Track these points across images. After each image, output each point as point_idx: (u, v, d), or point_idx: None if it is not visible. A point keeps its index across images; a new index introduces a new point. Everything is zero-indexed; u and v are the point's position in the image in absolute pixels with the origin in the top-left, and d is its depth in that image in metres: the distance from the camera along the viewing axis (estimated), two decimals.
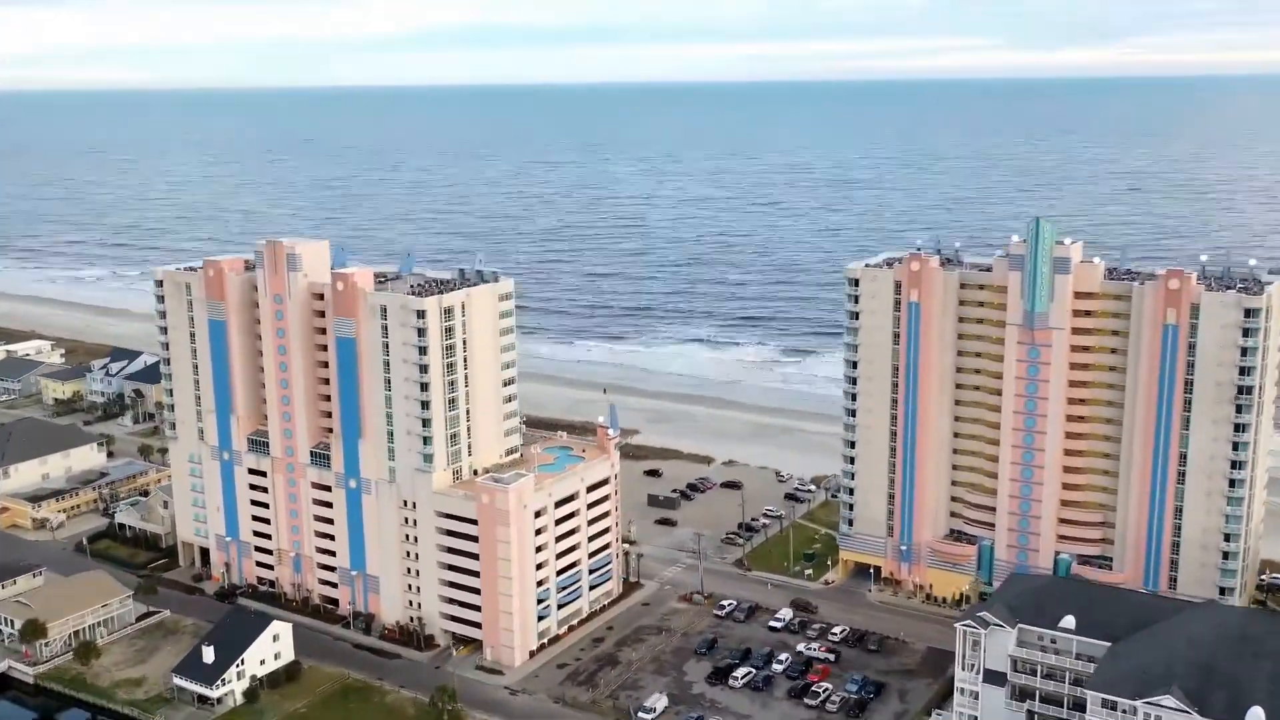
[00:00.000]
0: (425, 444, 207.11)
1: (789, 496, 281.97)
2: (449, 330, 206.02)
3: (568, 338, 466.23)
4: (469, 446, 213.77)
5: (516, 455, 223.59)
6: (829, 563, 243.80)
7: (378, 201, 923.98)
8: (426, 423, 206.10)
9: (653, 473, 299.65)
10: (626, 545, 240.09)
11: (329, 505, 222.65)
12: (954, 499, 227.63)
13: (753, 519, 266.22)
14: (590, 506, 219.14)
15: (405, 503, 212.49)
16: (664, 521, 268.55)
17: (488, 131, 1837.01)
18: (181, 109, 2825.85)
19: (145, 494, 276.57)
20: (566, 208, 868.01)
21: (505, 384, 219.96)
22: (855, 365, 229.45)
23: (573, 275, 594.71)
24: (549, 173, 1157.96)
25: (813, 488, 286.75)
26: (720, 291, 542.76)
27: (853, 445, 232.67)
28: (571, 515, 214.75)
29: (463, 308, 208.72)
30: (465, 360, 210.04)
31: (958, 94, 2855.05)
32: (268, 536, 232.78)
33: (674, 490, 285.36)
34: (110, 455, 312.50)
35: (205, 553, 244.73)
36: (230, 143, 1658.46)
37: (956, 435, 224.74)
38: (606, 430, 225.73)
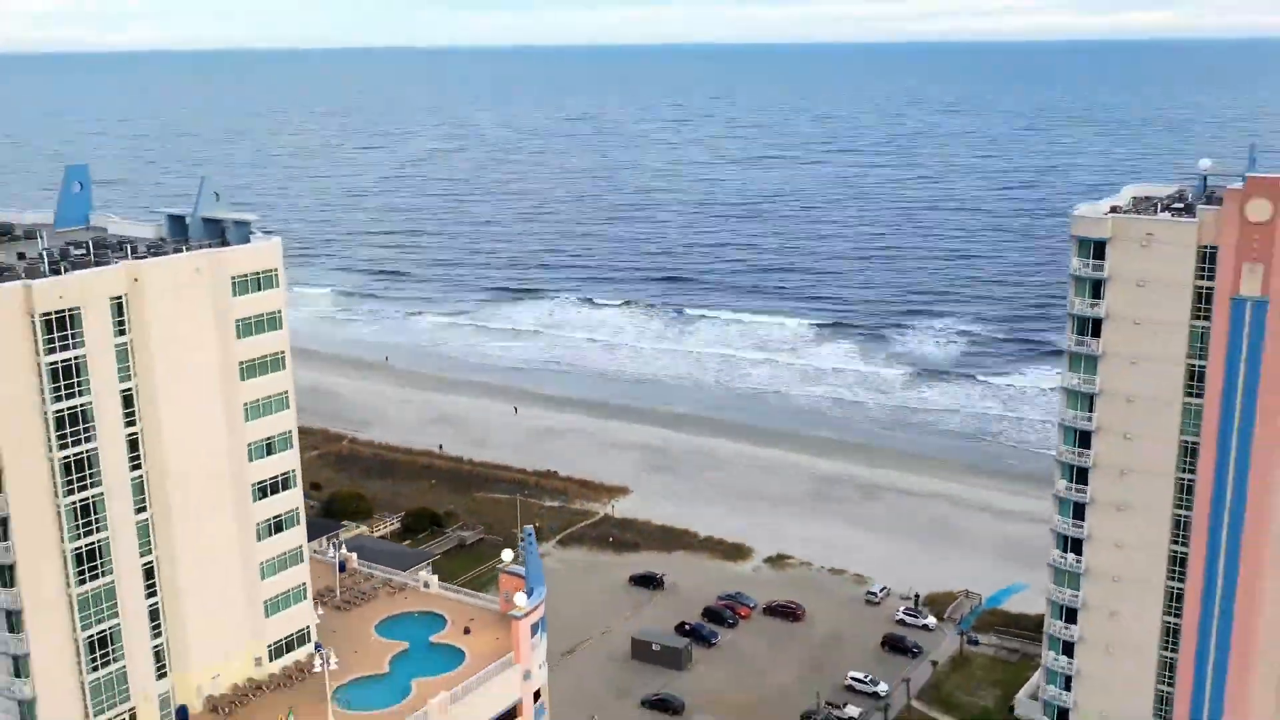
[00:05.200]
0: (16, 670, 79.56)
1: (891, 643, 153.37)
2: (67, 372, 77.77)
3: (534, 324, 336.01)
4: (156, 656, 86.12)
5: (305, 653, 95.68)
6: None
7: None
8: (13, 617, 78.53)
9: (646, 581, 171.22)
10: None
11: None
12: None
13: (829, 704, 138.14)
14: None
15: None
16: (659, 706, 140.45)
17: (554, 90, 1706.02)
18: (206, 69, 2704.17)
19: None
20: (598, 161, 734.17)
21: (266, 490, 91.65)
22: (1084, 439, 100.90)
23: (563, 244, 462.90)
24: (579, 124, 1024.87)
25: (930, 621, 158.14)
26: (770, 266, 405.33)
27: (1070, 615, 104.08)
28: None
29: (119, 310, 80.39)
30: (135, 442, 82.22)
31: (1039, 56, 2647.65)
32: None
33: (681, 625, 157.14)
34: None
35: None
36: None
37: None
38: (515, 587, 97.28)
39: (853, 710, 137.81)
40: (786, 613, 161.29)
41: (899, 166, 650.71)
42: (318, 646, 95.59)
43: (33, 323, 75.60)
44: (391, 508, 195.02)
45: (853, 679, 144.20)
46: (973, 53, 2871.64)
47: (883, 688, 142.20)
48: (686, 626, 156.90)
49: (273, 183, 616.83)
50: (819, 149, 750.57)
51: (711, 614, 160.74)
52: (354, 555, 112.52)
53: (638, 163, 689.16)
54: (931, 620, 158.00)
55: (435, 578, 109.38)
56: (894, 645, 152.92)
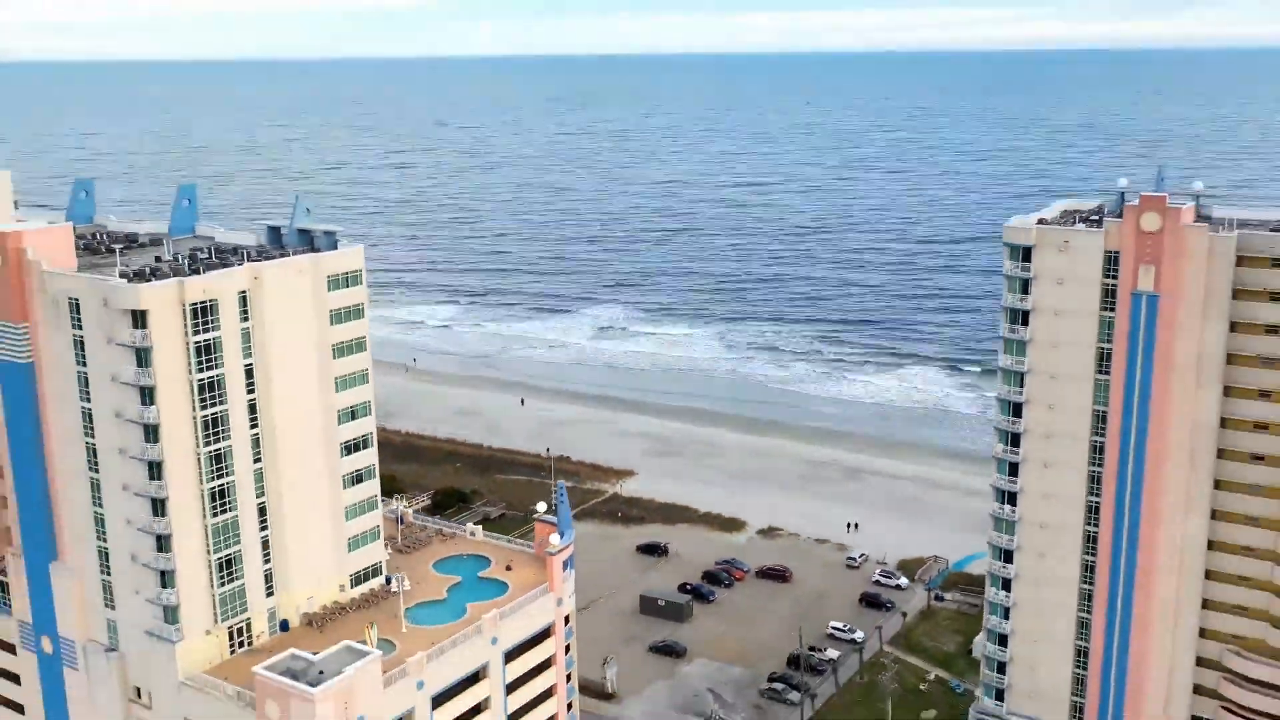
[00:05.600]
0: (163, 582, 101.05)
1: (867, 600, 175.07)
2: (208, 349, 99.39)
3: (543, 326, 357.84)
4: (266, 578, 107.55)
5: (377, 583, 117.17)
6: None
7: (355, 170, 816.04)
8: (163, 541, 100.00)
9: (651, 549, 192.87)
10: None
11: (15, 679, 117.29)
12: (1207, 663, 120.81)
13: (812, 648, 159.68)
14: (514, 688, 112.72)
15: (138, 692, 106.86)
16: (665, 650, 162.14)
17: (499, 100, 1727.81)
18: (211, 79, 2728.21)
19: None
20: (577, 177, 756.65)
21: (350, 448, 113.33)
22: (1016, 409, 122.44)
23: (568, 249, 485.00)
24: (563, 138, 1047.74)
25: (903, 581, 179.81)
26: (765, 272, 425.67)
27: (1008, 557, 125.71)
28: (475, 712, 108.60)
29: (243, 301, 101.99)
30: (253, 406, 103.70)
31: (1029, 64, 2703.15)
32: None
33: (683, 586, 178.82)
34: None
35: None
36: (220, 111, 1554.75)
37: (1217, 546, 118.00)
38: (549, 534, 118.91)
39: (832, 653, 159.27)
40: (776, 575, 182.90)
41: (893, 181, 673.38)
42: (388, 579, 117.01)
43: (183, 310, 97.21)
44: (420, 488, 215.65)
45: (833, 628, 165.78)
46: (964, 62, 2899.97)
47: (859, 635, 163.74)
48: (688, 586, 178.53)
49: (299, 192, 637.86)
50: (813, 164, 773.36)
51: (710, 576, 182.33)
52: (410, 511, 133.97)
53: (643, 179, 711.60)
54: (903, 580, 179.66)
55: (480, 528, 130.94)
56: (870, 601, 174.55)
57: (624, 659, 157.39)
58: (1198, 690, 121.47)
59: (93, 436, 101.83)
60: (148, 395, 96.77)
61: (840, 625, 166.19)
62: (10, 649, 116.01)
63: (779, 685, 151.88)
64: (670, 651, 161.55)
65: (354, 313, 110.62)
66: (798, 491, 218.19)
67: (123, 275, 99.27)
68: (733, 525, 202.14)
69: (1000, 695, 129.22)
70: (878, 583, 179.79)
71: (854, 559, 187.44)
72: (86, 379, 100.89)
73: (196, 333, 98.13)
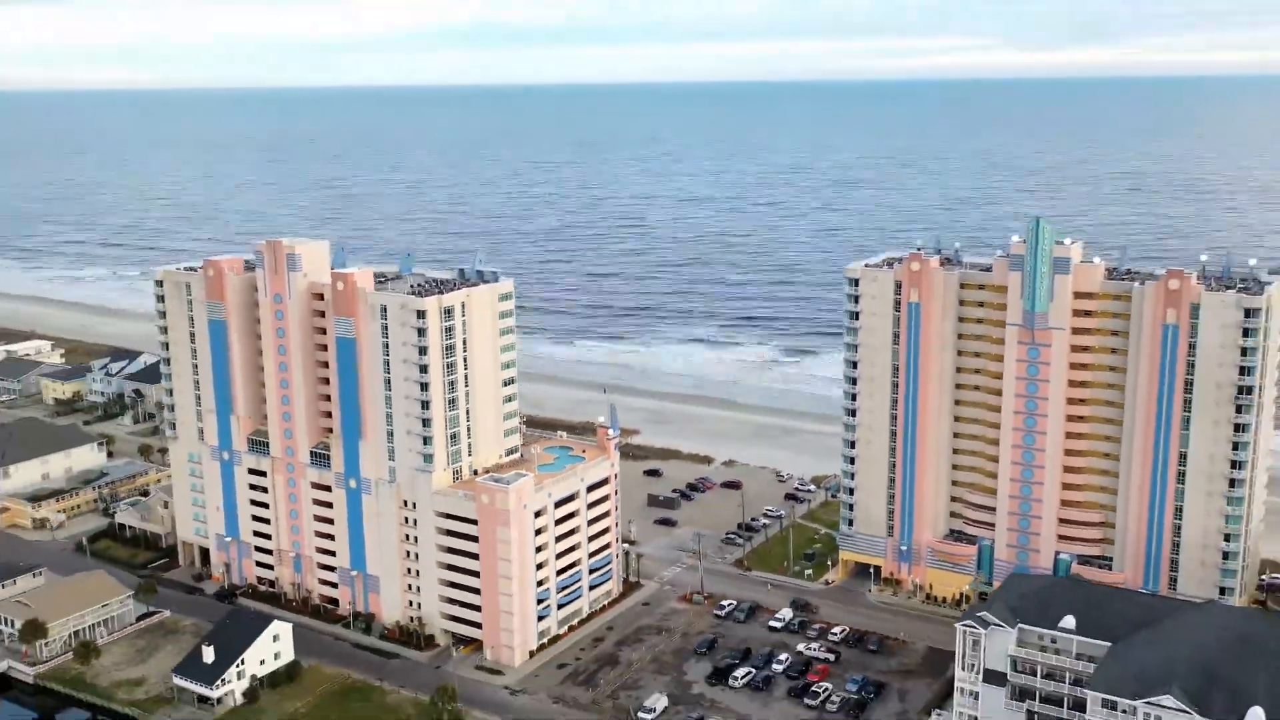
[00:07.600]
0: (425, 444, 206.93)
1: (789, 497, 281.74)
2: (449, 330, 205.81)
3: (567, 337, 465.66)
4: (469, 446, 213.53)
5: (516, 455, 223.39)
6: (829, 563, 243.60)
7: (378, 201, 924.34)
8: (426, 423, 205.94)
9: (653, 473, 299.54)
10: (626, 545, 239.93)
11: (329, 505, 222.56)
12: (954, 499, 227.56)
13: (752, 519, 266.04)
14: (590, 506, 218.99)
15: (405, 503, 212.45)
16: (664, 521, 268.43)
17: (486, 132, 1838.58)
18: (184, 109, 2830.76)
19: (145, 494, 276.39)
20: (566, 207, 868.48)
21: (505, 384, 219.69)
22: (855, 366, 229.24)
23: (572, 275, 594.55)
24: (548, 173, 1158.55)
25: (813, 488, 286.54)
26: (721, 291, 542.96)
27: (853, 445, 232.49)
28: (571, 515, 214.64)
29: (462, 308, 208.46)
30: (465, 360, 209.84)
31: (958, 94, 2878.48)
32: (267, 536, 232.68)
33: (674, 490, 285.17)
34: (110, 455, 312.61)
35: (205, 553, 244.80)
36: (231, 143, 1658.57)
37: (957, 435, 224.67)
38: (606, 431, 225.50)
39: (765, 521, 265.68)
40: (733, 485, 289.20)
41: (827, 209, 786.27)
42: (521, 455, 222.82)
43: (440, 311, 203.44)
44: None
45: (766, 510, 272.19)
46: (918, 91, 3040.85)
47: (782, 513, 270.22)
48: (676, 491, 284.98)
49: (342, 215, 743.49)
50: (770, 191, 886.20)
51: (691, 486, 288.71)
52: (524, 426, 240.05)
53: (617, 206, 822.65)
54: (813, 487, 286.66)
55: (566, 433, 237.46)
56: (791, 498, 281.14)
57: (639, 526, 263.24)
58: (952, 515, 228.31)
59: (389, 374, 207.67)
60: (424, 352, 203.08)
61: (771, 509, 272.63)
62: (327, 488, 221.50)
63: (733, 535, 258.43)
64: (667, 523, 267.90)
65: (510, 314, 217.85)
66: (750, 442, 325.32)
67: (408, 293, 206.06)
68: (706, 460, 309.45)
69: (851, 523, 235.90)
70: (796, 489, 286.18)
71: (783, 476, 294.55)
72: (387, 346, 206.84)
73: (445, 322, 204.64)
